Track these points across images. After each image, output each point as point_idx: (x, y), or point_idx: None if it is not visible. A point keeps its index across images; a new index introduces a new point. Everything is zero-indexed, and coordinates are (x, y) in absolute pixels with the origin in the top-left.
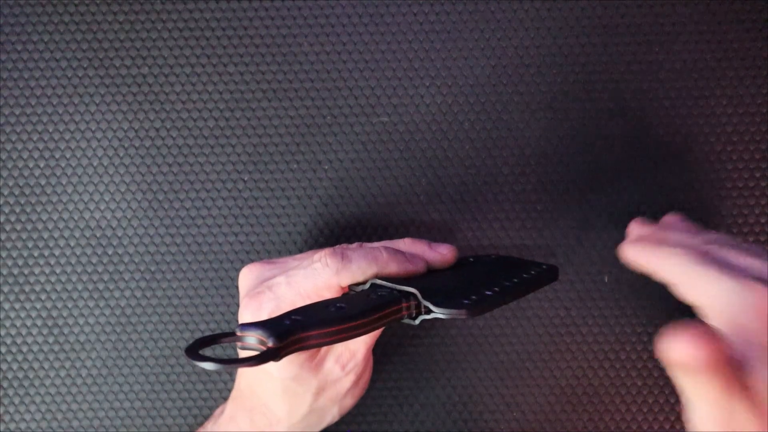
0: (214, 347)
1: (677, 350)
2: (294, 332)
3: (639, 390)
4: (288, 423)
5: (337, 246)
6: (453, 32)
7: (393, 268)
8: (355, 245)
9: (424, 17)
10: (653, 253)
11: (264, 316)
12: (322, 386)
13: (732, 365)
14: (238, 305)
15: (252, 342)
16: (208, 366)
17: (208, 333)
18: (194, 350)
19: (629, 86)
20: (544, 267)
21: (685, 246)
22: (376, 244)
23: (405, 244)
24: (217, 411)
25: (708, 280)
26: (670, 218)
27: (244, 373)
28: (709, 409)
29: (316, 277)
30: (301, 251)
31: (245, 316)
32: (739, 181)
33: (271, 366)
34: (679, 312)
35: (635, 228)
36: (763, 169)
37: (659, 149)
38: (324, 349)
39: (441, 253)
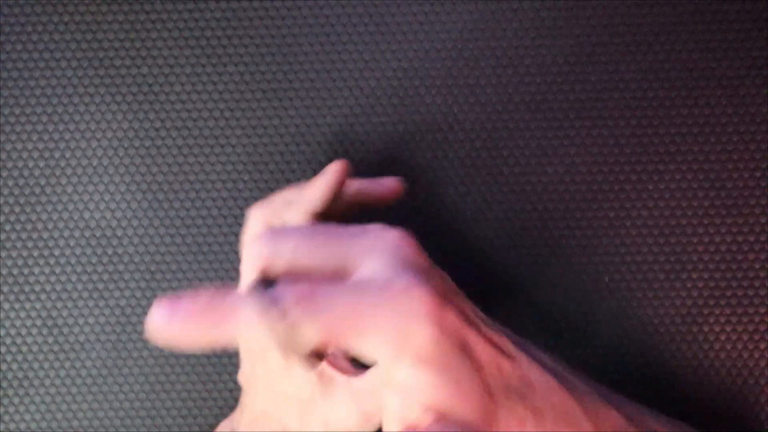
0: None
1: None
2: None
3: (638, 390)
4: None
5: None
6: (453, 32)
7: None
8: None
9: (424, 17)
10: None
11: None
12: None
13: None
14: None
15: None
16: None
17: None
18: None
19: (629, 86)
20: None
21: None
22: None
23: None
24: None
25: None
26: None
27: (258, 396)
28: None
29: None
30: None
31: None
32: (739, 181)
33: (288, 387)
34: (679, 314)
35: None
36: (763, 169)
37: (659, 149)
38: None
39: (386, 186)
